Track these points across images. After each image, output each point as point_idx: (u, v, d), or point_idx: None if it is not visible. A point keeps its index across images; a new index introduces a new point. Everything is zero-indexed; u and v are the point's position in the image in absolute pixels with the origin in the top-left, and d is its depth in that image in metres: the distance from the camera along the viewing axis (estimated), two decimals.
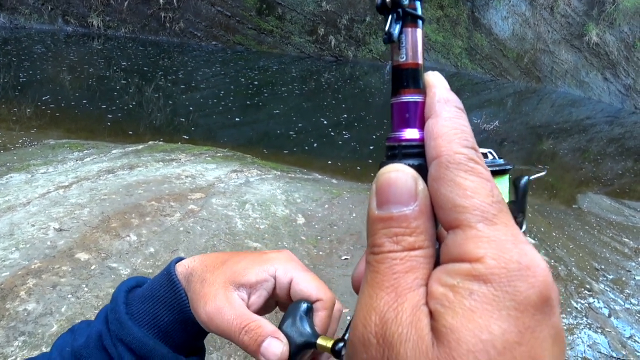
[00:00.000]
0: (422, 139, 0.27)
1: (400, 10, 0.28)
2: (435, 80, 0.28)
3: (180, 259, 0.50)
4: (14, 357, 1.77)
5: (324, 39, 14.20)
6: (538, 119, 12.32)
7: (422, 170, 0.26)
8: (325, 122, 8.47)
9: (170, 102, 8.14)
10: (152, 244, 2.68)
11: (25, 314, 1.99)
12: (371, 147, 7.38)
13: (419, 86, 0.28)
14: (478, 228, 0.22)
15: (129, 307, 0.47)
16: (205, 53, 12.51)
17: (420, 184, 0.25)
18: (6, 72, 8.15)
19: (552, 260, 3.78)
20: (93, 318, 0.50)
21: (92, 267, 2.37)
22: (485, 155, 0.34)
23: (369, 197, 0.27)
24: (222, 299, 0.43)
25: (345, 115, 9.15)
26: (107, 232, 2.71)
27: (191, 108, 7.94)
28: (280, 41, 14.02)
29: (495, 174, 0.31)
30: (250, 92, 9.94)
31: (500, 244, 0.22)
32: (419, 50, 0.29)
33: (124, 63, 10.10)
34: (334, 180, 5.09)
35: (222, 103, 8.50)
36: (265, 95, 9.85)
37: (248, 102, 9.07)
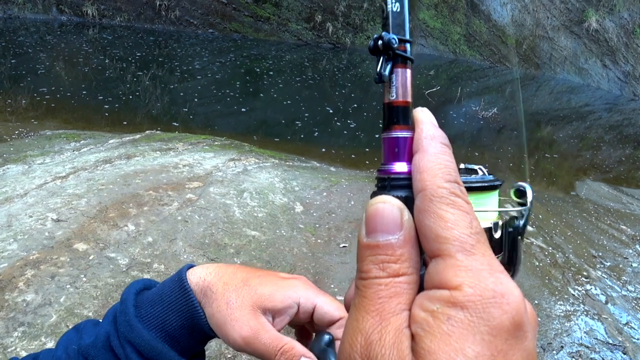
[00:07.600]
0: (410, 172, 0.29)
1: (390, 52, 0.30)
2: (423, 117, 0.31)
3: (192, 265, 0.52)
4: (13, 348, 1.78)
5: (321, 26, 14.09)
6: (537, 106, 12.29)
7: (409, 201, 0.28)
8: (325, 109, 8.43)
9: (167, 91, 8.09)
10: (150, 234, 2.68)
11: (24, 305, 1.99)
12: (373, 136, 7.36)
13: (408, 122, 0.31)
14: (457, 258, 0.24)
15: (138, 310, 0.48)
16: (201, 41, 12.40)
17: (406, 214, 0.27)
18: (1, 63, 8.08)
19: (550, 248, 3.79)
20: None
21: (91, 258, 2.37)
22: (475, 171, 0.36)
23: (359, 225, 0.29)
24: (256, 324, 0.47)
25: (345, 103, 9.11)
26: (105, 222, 2.71)
27: (188, 97, 7.89)
28: (277, 28, 13.90)
29: (484, 189, 0.34)
30: (247, 80, 9.88)
31: (477, 272, 0.24)
32: (409, 89, 0.31)
33: (120, 52, 10.01)
34: (332, 168, 5.08)
35: (220, 91, 8.45)
36: (263, 83, 9.79)
37: (245, 90, 9.02)
